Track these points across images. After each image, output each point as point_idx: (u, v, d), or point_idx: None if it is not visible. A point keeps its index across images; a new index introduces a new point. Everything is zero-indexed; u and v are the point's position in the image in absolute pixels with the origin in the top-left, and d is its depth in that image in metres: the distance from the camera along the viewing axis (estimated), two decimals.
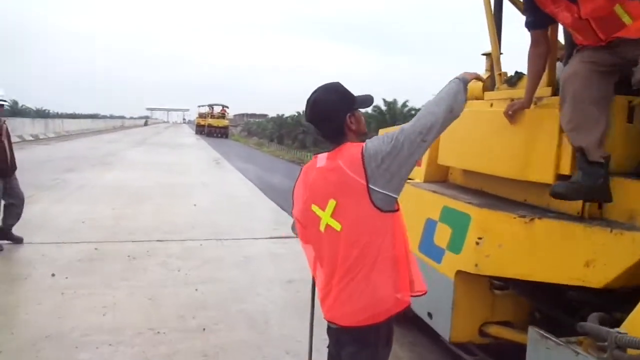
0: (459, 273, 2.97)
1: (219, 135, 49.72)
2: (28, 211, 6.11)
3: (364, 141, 2.05)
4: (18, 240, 6.17)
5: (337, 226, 1.96)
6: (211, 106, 54.77)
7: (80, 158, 17.33)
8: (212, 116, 52.85)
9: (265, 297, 4.83)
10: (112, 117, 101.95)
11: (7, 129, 6.07)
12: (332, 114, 2.04)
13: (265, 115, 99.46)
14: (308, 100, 2.07)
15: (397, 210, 1.98)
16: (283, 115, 76.98)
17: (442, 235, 3.14)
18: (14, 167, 6.11)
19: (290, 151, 50.23)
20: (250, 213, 9.06)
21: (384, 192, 1.91)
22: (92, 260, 5.73)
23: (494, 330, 3.08)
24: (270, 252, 6.43)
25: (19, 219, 6.21)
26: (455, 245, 3.00)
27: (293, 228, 2.75)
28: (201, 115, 57.08)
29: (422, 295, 2.06)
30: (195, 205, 9.41)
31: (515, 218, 2.60)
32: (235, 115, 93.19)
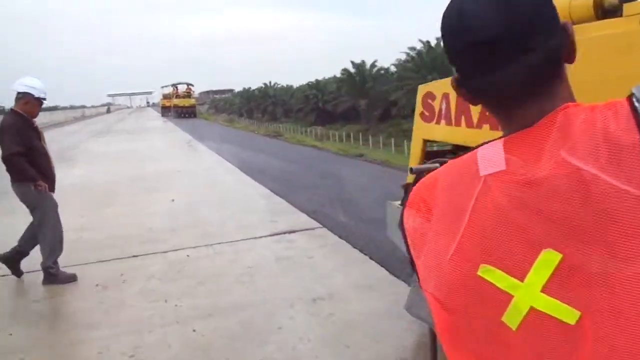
0: None
1: (187, 115, 47.67)
2: None
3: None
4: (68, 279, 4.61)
5: (567, 316, 0.66)
6: (175, 85, 52.35)
7: None
8: (177, 96, 50.56)
9: (290, 331, 3.49)
10: (72, 107, 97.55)
11: None
12: (544, 19, 0.73)
13: (231, 90, 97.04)
14: (452, 5, 0.75)
15: None
16: (250, 88, 74.76)
17: None
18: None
19: (262, 124, 48.57)
20: (239, 203, 7.65)
21: None
22: (47, 299, 4.28)
23: None
24: (277, 256, 5.07)
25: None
26: None
27: (410, 308, 1.44)
28: (165, 97, 54.71)
29: None
30: (173, 200, 7.93)
31: None
32: (200, 93, 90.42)
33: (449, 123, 3.27)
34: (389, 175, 10.26)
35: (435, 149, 3.79)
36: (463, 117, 3.10)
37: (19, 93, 4.31)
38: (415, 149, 3.69)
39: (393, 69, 48.66)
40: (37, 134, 4.43)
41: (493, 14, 0.70)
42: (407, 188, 1.02)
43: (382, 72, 49.34)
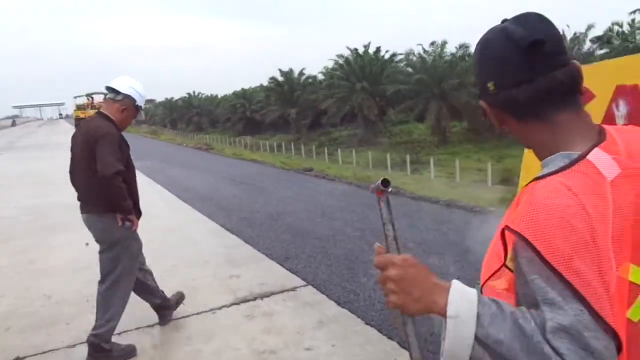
0: None
1: None
2: None
3: None
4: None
5: None
6: (90, 95, 47.88)
7: None
8: (93, 107, 46.23)
9: None
10: None
11: None
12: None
13: (152, 100, 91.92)
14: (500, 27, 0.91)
15: None
16: (172, 98, 70.74)
17: None
18: None
19: (187, 135, 45.70)
20: (181, 246, 5.60)
21: None
22: None
23: None
24: (257, 350, 3.16)
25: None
26: None
27: None
28: (79, 107, 50.06)
29: None
30: (87, 244, 5.77)
31: None
32: None
33: None
34: (353, 195, 8.62)
35: None
36: None
37: (117, 94, 3.15)
38: None
39: (321, 76, 47.79)
40: (129, 151, 3.25)
41: (543, 25, 0.83)
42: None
43: (310, 80, 48.38)
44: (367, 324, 3.47)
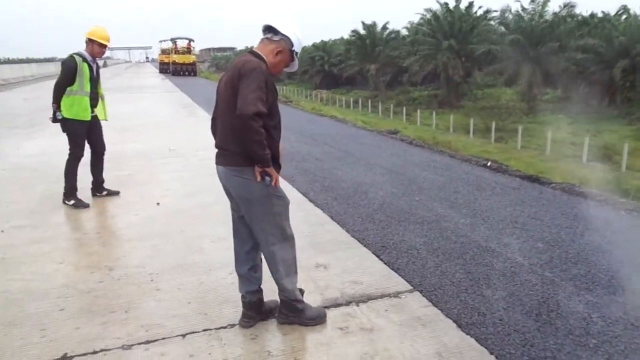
0: None
1: (186, 72, 44.41)
2: None
3: None
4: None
5: None
6: (174, 40, 48.57)
7: (2, 115, 12.66)
8: (177, 52, 46.99)
9: None
10: None
11: None
12: None
13: (233, 49, 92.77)
14: None
15: None
16: (252, 47, 70.74)
17: None
18: None
19: None
20: None
21: None
22: None
23: None
24: None
25: None
26: None
27: None
28: (164, 52, 51.09)
29: None
30: (159, 204, 5.21)
31: None
32: (201, 50, 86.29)
33: None
34: (450, 167, 7.50)
35: None
36: None
37: (275, 34, 2.70)
38: None
39: (405, 32, 45.26)
40: (277, 99, 2.76)
41: None
42: None
43: (393, 35, 45.97)
44: None
